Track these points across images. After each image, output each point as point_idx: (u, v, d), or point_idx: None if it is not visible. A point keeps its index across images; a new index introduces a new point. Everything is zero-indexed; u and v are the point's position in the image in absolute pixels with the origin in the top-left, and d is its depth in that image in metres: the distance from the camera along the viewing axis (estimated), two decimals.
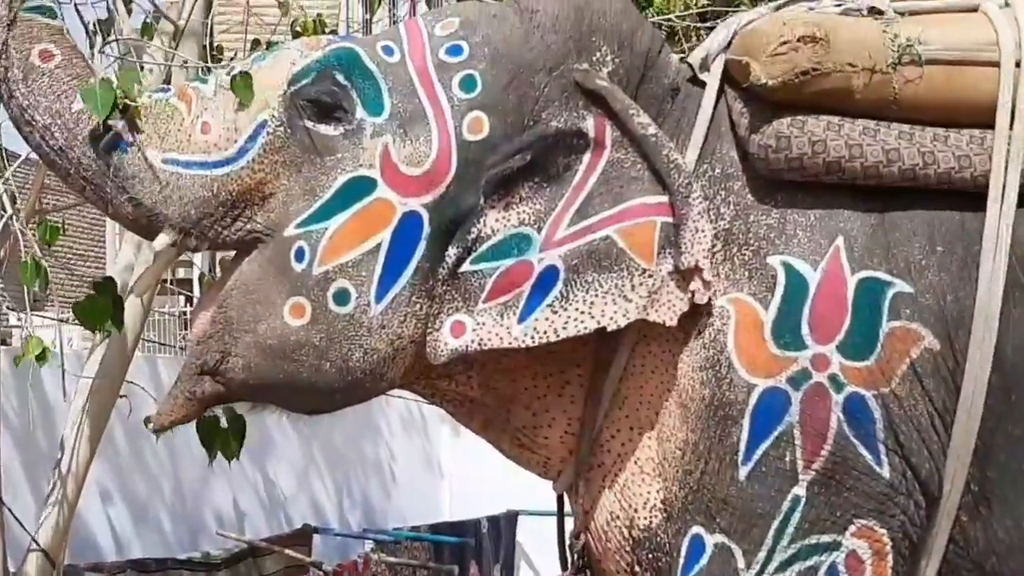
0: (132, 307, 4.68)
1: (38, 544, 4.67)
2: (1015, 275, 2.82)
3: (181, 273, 12.28)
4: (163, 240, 2.89)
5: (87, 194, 2.95)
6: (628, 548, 2.97)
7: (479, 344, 2.83)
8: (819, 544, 2.82)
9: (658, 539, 2.91)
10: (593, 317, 2.81)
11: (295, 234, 2.83)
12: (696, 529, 2.85)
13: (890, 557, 2.84)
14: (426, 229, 2.84)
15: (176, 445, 4.97)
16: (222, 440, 3.85)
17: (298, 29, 5.68)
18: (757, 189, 2.92)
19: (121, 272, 4.69)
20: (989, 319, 2.78)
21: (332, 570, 7.64)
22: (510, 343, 2.82)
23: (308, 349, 2.84)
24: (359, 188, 2.83)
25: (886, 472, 2.82)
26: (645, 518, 2.93)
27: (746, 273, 2.88)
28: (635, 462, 2.93)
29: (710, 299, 2.85)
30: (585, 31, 2.97)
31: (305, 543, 7.85)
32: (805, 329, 2.82)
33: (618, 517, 2.97)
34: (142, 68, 5.15)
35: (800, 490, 2.81)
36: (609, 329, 2.82)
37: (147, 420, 3.00)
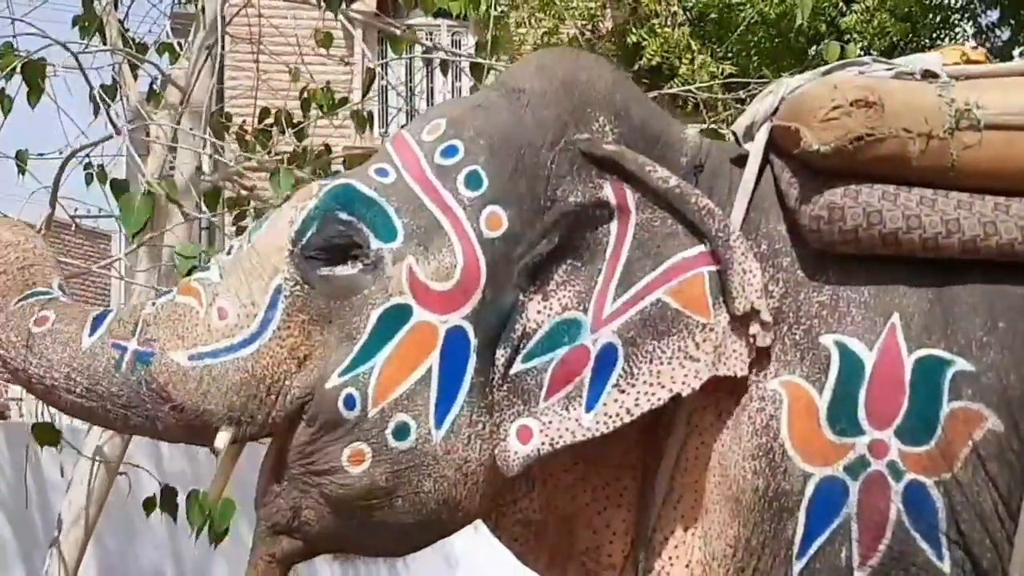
0: None
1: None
2: None
3: None
4: (223, 438, 2.81)
5: (133, 424, 2.86)
6: None
7: (551, 444, 2.71)
8: None
9: None
10: (664, 387, 2.70)
11: (340, 383, 2.74)
12: None
13: None
14: (472, 342, 2.75)
15: (177, 524, 4.88)
16: (211, 520, 3.77)
17: (307, 96, 5.70)
18: (807, 264, 2.82)
19: None
20: None
21: None
22: (584, 435, 2.70)
23: (376, 491, 2.76)
24: (395, 318, 2.75)
25: (947, 567, 2.71)
26: None
27: (798, 354, 2.77)
28: (685, 565, 2.81)
29: (761, 384, 2.75)
30: (578, 103, 2.88)
31: None
32: (862, 413, 2.72)
33: None
34: (147, 134, 5.25)
35: None
36: (684, 394, 2.71)
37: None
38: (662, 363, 2.70)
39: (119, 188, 4.38)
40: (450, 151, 2.84)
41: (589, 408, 2.70)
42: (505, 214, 2.79)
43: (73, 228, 6.11)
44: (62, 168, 4.82)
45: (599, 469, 2.84)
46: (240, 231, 5.70)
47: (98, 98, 5.09)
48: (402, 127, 3.04)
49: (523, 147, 2.83)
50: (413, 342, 2.73)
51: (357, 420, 2.72)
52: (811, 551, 2.72)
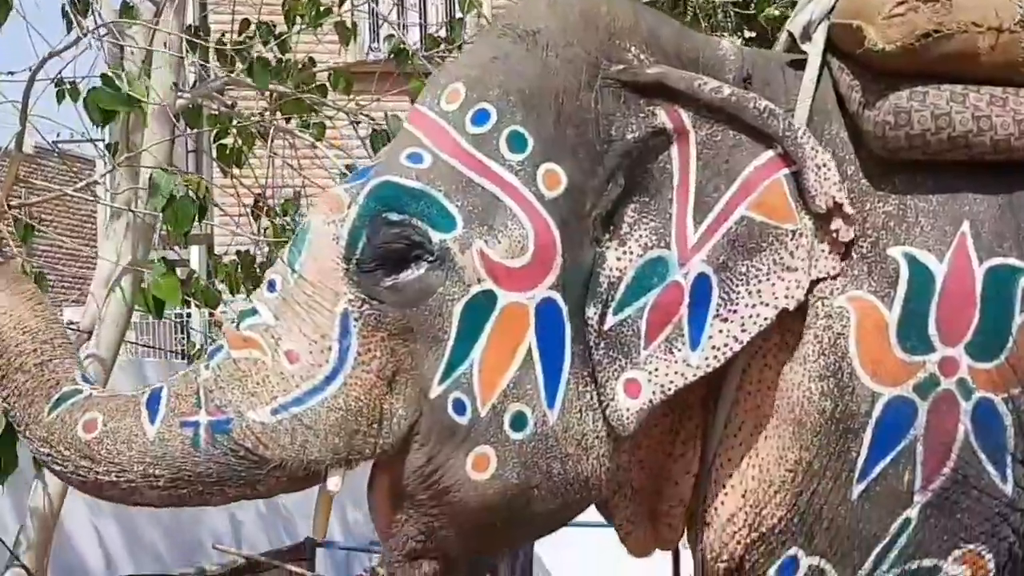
0: (115, 307, 4.54)
1: (19, 560, 4.52)
2: None
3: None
4: (335, 483, 2.70)
5: (234, 495, 2.74)
6: (726, 564, 2.80)
7: (663, 393, 2.64)
8: (918, 570, 2.69)
9: (752, 558, 2.74)
10: (767, 304, 2.64)
11: (443, 390, 2.63)
12: (792, 551, 2.71)
13: None
14: (563, 310, 2.66)
15: None
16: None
17: (289, 7, 5.52)
18: (872, 173, 2.74)
19: (109, 271, 4.58)
20: None
21: None
22: (695, 375, 2.64)
23: (510, 490, 2.66)
24: (481, 307, 2.64)
25: (1008, 488, 2.67)
26: (740, 544, 2.75)
27: (865, 268, 2.69)
28: (741, 496, 2.74)
29: (827, 300, 2.68)
30: (604, 37, 2.75)
31: (307, 558, 7.66)
32: (932, 329, 2.66)
33: (718, 553, 2.78)
34: (122, 50, 5.08)
35: (912, 512, 2.67)
36: (791, 308, 2.64)
37: None
38: (760, 281, 2.64)
39: (99, 96, 4.20)
40: (481, 117, 2.70)
41: (695, 346, 2.63)
42: (561, 169, 2.67)
43: (56, 153, 5.96)
44: (31, 82, 4.64)
45: (680, 414, 2.77)
46: (221, 151, 5.57)
47: (70, 13, 4.95)
48: (417, 103, 2.83)
49: (558, 94, 2.70)
50: (505, 327, 2.63)
51: (471, 424, 2.62)
52: (873, 474, 2.67)
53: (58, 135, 5.86)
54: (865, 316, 2.67)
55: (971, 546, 2.67)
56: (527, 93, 2.70)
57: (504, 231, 2.64)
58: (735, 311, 2.63)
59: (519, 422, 2.62)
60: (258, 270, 5.35)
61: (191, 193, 4.13)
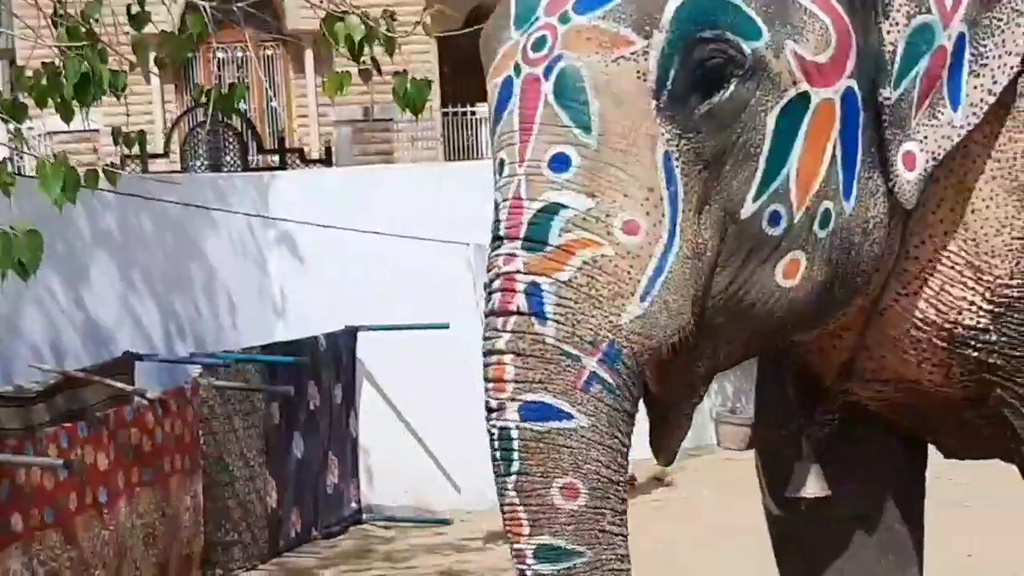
0: None
1: None
2: None
3: None
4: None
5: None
6: (944, 349, 2.83)
7: (934, 159, 2.60)
8: None
9: (987, 336, 2.79)
10: (1011, 52, 2.62)
11: (758, 206, 2.48)
12: None
13: None
14: (859, 96, 2.56)
15: None
16: (13, 258, 3.91)
17: None
18: None
19: None
20: None
21: (157, 398, 7.27)
22: (959, 135, 2.61)
23: (815, 289, 2.58)
24: (797, 111, 2.49)
25: None
26: (971, 318, 2.78)
27: None
28: (951, 267, 2.77)
29: None
30: None
31: (127, 371, 7.47)
32: None
33: (933, 322, 2.80)
34: None
35: None
36: (1021, 52, 2.62)
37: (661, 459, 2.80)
38: (1002, 31, 2.61)
39: None
40: None
41: (955, 106, 2.60)
42: None
43: None
44: None
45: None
46: None
47: None
48: None
49: None
50: (820, 126, 2.52)
51: (784, 233, 2.51)
52: None
53: None
54: None
55: None
56: None
57: (807, 28, 2.50)
58: (985, 64, 2.61)
59: (825, 219, 2.54)
60: (64, 80, 4.82)
61: None
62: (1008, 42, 2.62)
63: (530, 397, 2.43)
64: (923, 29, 2.62)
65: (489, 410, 2.48)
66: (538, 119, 2.48)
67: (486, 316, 2.50)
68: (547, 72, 2.48)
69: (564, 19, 2.51)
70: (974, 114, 2.62)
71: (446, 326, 8.65)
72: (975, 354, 2.83)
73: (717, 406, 10.56)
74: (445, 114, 16.49)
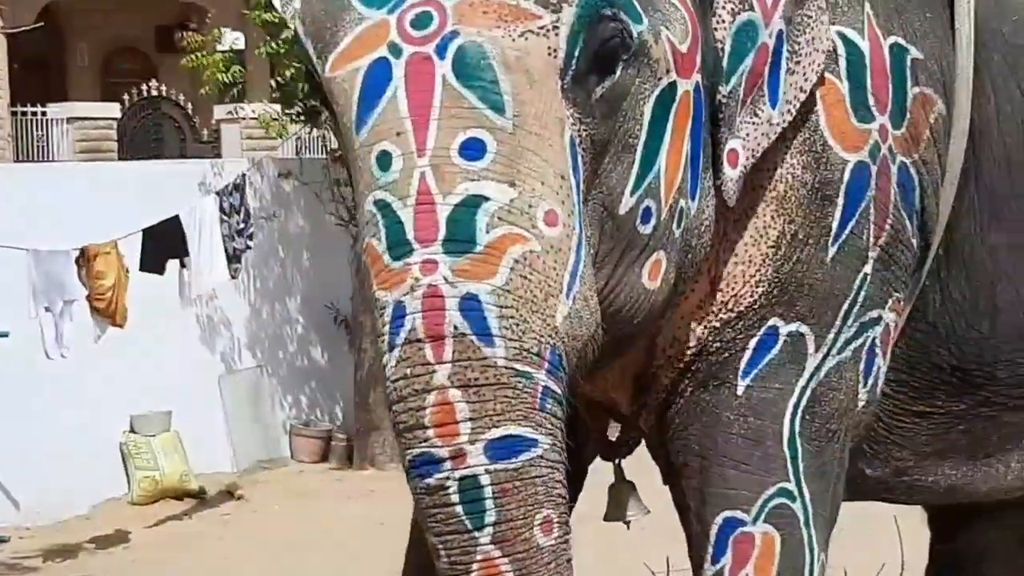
0: None
1: None
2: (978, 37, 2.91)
3: None
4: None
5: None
6: (693, 350, 2.76)
7: (753, 156, 2.58)
8: (869, 320, 2.82)
9: (726, 337, 2.74)
10: (817, 49, 2.65)
11: (634, 202, 2.36)
12: (772, 321, 2.72)
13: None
14: (704, 94, 2.50)
15: None
16: None
17: None
18: None
19: None
20: (966, 83, 2.86)
21: None
22: (775, 132, 2.60)
23: (668, 290, 2.49)
24: (667, 100, 2.38)
25: (916, 240, 2.86)
26: (721, 321, 2.74)
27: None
28: (711, 281, 2.73)
29: None
30: None
31: None
32: (871, 100, 2.74)
33: (684, 342, 2.76)
34: None
35: (868, 267, 2.78)
36: (827, 50, 2.67)
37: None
38: (811, 27, 2.67)
39: None
40: None
41: (773, 103, 2.60)
42: None
43: None
44: None
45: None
46: None
47: None
48: None
49: None
50: (682, 118, 2.43)
51: (653, 230, 2.41)
52: (844, 235, 2.74)
53: None
54: (827, 90, 2.70)
55: (898, 294, 2.83)
56: None
57: (672, 14, 2.41)
58: (799, 61, 2.63)
59: (681, 218, 2.46)
60: None
61: None
62: (815, 39, 2.65)
63: (497, 433, 2.17)
64: (747, 26, 2.59)
65: (431, 462, 2.17)
66: (437, 103, 2.21)
67: (398, 345, 2.17)
68: (440, 50, 2.21)
69: None
70: (789, 111, 2.62)
71: (5, 334, 8.47)
72: (708, 356, 2.75)
73: (291, 418, 10.71)
74: (14, 113, 16.03)
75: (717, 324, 2.73)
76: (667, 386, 2.80)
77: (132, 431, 9.27)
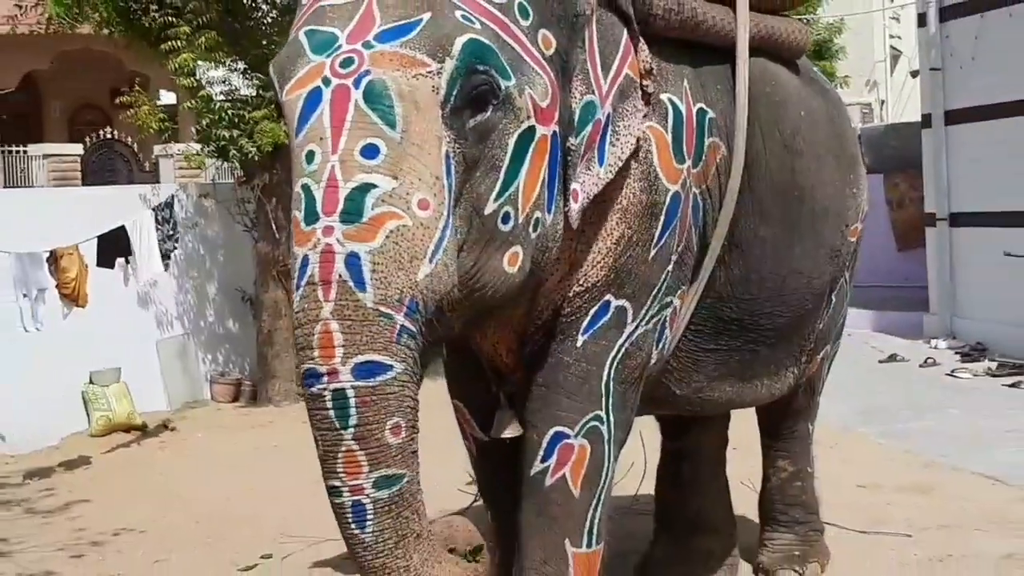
0: None
1: None
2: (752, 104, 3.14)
3: None
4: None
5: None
6: (552, 312, 2.92)
7: (588, 197, 2.71)
8: (666, 304, 3.02)
9: (575, 305, 2.90)
10: (631, 134, 2.80)
11: (496, 207, 2.48)
12: (607, 296, 2.89)
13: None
14: (559, 140, 2.66)
15: None
16: None
17: None
18: (650, 44, 2.89)
19: None
20: (742, 131, 3.14)
21: None
22: (602, 183, 2.75)
23: (524, 275, 2.60)
24: (527, 139, 2.53)
25: (697, 247, 3.10)
26: (573, 293, 2.89)
27: (653, 108, 2.94)
28: (570, 263, 2.88)
29: (640, 128, 2.87)
30: None
31: None
32: (684, 147, 2.97)
33: (543, 306, 2.92)
34: None
35: (671, 267, 2.98)
36: (639, 135, 2.81)
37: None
38: (627, 118, 2.82)
39: None
40: None
41: (600, 163, 2.76)
42: (551, 34, 2.62)
43: None
44: None
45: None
46: None
47: None
48: None
49: None
50: (540, 153, 2.57)
51: (512, 230, 2.52)
52: (662, 242, 2.94)
53: None
54: (659, 139, 2.93)
55: (683, 288, 3.08)
56: None
57: (537, 79, 2.54)
58: (619, 139, 2.79)
59: (536, 224, 2.58)
60: None
61: None
62: (632, 127, 2.81)
63: (361, 359, 2.24)
64: (589, 105, 2.72)
65: (315, 375, 2.25)
66: (349, 118, 2.34)
67: (301, 286, 2.27)
68: (356, 83, 2.35)
69: (368, 46, 2.39)
70: (609, 171, 2.77)
71: None
72: (564, 316, 2.98)
73: (211, 371, 10.57)
74: (2, 152, 15.81)
75: (571, 295, 2.86)
76: (534, 337, 2.91)
77: (91, 383, 9.12)
